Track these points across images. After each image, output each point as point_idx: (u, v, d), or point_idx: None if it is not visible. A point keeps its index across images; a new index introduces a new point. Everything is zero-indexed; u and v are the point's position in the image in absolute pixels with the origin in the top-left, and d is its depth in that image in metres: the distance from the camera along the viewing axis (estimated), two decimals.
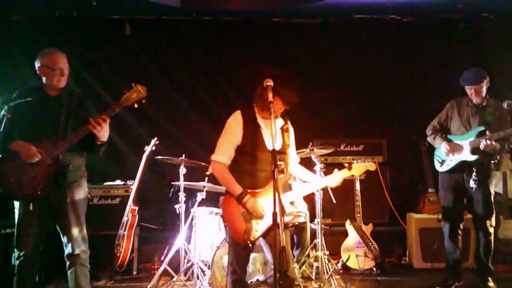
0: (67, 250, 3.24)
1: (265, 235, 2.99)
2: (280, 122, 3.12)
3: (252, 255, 3.78)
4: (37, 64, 3.26)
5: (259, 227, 2.96)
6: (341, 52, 6.13)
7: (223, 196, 3.14)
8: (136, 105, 3.16)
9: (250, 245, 2.99)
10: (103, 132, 3.13)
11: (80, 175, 3.35)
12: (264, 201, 2.96)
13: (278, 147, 3.04)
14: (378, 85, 6.14)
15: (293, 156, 3.25)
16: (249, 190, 2.96)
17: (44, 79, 3.26)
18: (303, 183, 3.36)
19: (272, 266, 3.02)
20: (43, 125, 3.18)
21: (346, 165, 3.18)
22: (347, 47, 6.13)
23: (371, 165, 3.20)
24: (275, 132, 2.68)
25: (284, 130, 3.10)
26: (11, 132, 3.16)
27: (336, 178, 3.15)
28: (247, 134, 2.99)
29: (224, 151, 3.01)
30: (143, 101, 3.17)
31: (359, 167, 3.18)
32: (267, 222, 2.95)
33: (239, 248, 2.99)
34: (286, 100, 2.95)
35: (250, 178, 2.99)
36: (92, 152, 3.34)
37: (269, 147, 2.95)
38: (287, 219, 2.98)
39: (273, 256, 2.95)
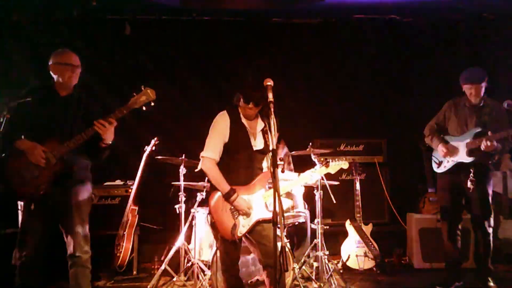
0: (69, 250, 3.23)
1: (250, 231, 3.04)
2: (260, 124, 3.17)
3: (252, 255, 3.80)
4: (50, 63, 3.29)
5: (246, 223, 3.03)
6: (341, 52, 6.13)
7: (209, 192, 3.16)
8: (144, 108, 3.16)
9: (238, 240, 3.04)
10: (109, 134, 3.13)
11: (85, 176, 3.34)
12: (249, 198, 3.05)
13: (261, 146, 3.12)
14: (378, 85, 6.14)
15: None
16: (234, 187, 3.02)
17: (55, 77, 3.28)
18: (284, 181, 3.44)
19: (259, 264, 3.07)
20: (51, 124, 3.18)
21: (324, 163, 3.41)
22: (347, 47, 6.13)
23: (344, 163, 3.49)
24: (274, 132, 2.68)
25: (264, 132, 3.16)
26: (17, 130, 3.16)
27: (315, 175, 3.35)
28: (233, 132, 3.07)
29: (214, 148, 3.07)
30: (152, 103, 3.16)
31: (335, 166, 3.43)
32: (253, 218, 3.04)
33: (228, 245, 3.04)
34: (245, 98, 3.01)
35: (236, 175, 3.06)
36: (95, 157, 3.33)
37: (254, 145, 3.09)
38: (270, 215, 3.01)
39: (262, 254, 3.00)
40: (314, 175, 3.34)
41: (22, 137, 3.14)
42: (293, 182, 3.41)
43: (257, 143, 3.11)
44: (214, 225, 3.06)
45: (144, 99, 3.13)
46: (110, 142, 3.21)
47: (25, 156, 3.07)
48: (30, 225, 3.17)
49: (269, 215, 2.86)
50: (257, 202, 3.06)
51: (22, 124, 3.19)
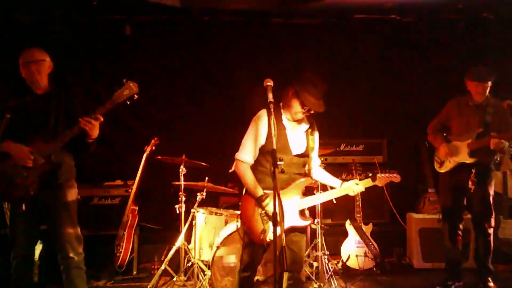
0: (61, 253, 3.20)
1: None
2: (305, 126, 3.11)
3: None
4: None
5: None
6: (341, 52, 6.13)
7: (241, 195, 3.11)
8: (128, 102, 3.15)
9: (266, 246, 2.96)
10: (95, 130, 3.11)
11: (71, 175, 3.32)
12: (283, 203, 2.93)
13: (302, 150, 3.05)
14: (378, 85, 6.14)
15: (314, 159, 3.22)
16: (269, 192, 2.92)
17: (26, 77, 3.26)
18: (322, 192, 3.34)
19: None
20: (33, 124, 3.16)
21: (370, 174, 3.09)
22: (347, 47, 6.13)
23: (395, 177, 3.11)
24: (274, 131, 2.68)
25: (309, 134, 3.10)
26: (1, 133, 3.13)
27: (358, 188, 3.11)
28: (271, 135, 2.93)
29: (249, 151, 3.00)
30: (135, 97, 3.15)
31: (383, 178, 3.10)
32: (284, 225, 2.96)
33: (255, 248, 2.99)
34: (304, 103, 2.93)
35: (270, 180, 2.93)
36: (82, 151, 3.29)
37: (293, 150, 2.99)
38: (305, 223, 3.01)
39: (289, 260, 2.96)
40: (357, 188, 3.09)
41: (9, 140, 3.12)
42: (333, 192, 3.18)
43: (298, 147, 3.02)
44: (243, 228, 3.02)
45: (127, 92, 3.12)
46: (96, 137, 3.18)
47: (11, 158, 3.06)
48: (20, 225, 3.16)
49: (301, 223, 2.89)
50: (289, 209, 2.95)
51: (5, 127, 3.13)
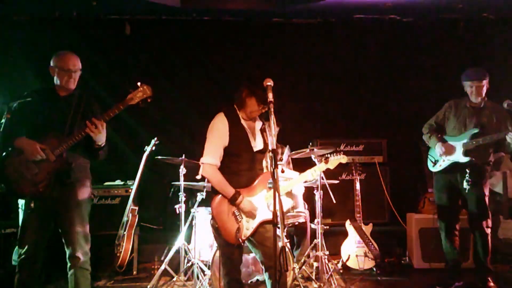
0: (69, 251, 3.22)
1: (253, 233, 3.02)
2: (259, 124, 3.15)
3: (252, 255, 3.80)
4: (50, 64, 3.33)
5: (249, 226, 3.00)
6: (341, 52, 6.14)
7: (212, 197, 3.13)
8: (141, 104, 3.21)
9: (242, 244, 3.01)
10: (100, 136, 3.14)
11: (84, 175, 3.35)
12: (251, 200, 3.02)
13: (261, 146, 3.09)
14: (378, 85, 6.14)
15: None
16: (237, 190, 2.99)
17: (54, 78, 3.32)
18: (285, 180, 3.52)
19: (262, 265, 3.05)
20: (50, 123, 3.20)
21: (323, 159, 3.48)
22: (347, 47, 6.14)
23: (343, 157, 3.52)
24: (275, 132, 2.69)
25: (263, 131, 3.14)
26: (17, 129, 3.18)
27: (315, 172, 3.37)
28: (233, 134, 3.01)
29: (214, 153, 3.01)
30: (148, 100, 3.22)
31: (334, 161, 3.49)
32: (256, 220, 3.01)
33: (232, 249, 3.00)
34: (260, 101, 2.97)
35: (238, 178, 3.02)
36: (92, 157, 3.35)
37: (254, 147, 3.05)
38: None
39: (264, 255, 2.97)
40: (315, 172, 3.37)
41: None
42: (293, 181, 3.39)
43: (257, 144, 3.08)
44: (217, 230, 3.01)
45: (140, 95, 3.19)
46: (101, 144, 3.22)
47: (24, 154, 3.09)
48: (30, 222, 3.18)
49: (271, 216, 2.88)
50: (259, 203, 3.03)
51: (22, 123, 3.22)
